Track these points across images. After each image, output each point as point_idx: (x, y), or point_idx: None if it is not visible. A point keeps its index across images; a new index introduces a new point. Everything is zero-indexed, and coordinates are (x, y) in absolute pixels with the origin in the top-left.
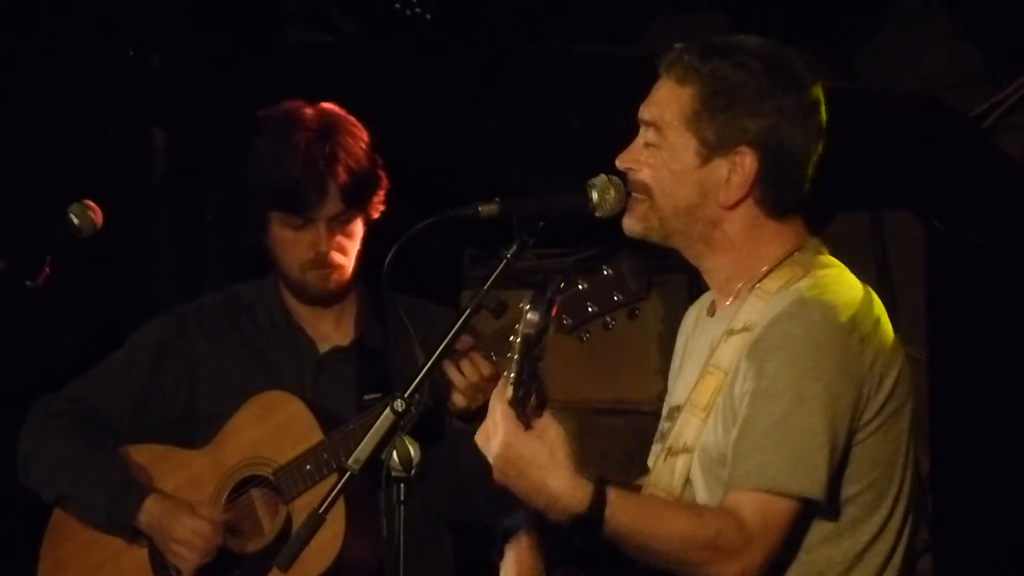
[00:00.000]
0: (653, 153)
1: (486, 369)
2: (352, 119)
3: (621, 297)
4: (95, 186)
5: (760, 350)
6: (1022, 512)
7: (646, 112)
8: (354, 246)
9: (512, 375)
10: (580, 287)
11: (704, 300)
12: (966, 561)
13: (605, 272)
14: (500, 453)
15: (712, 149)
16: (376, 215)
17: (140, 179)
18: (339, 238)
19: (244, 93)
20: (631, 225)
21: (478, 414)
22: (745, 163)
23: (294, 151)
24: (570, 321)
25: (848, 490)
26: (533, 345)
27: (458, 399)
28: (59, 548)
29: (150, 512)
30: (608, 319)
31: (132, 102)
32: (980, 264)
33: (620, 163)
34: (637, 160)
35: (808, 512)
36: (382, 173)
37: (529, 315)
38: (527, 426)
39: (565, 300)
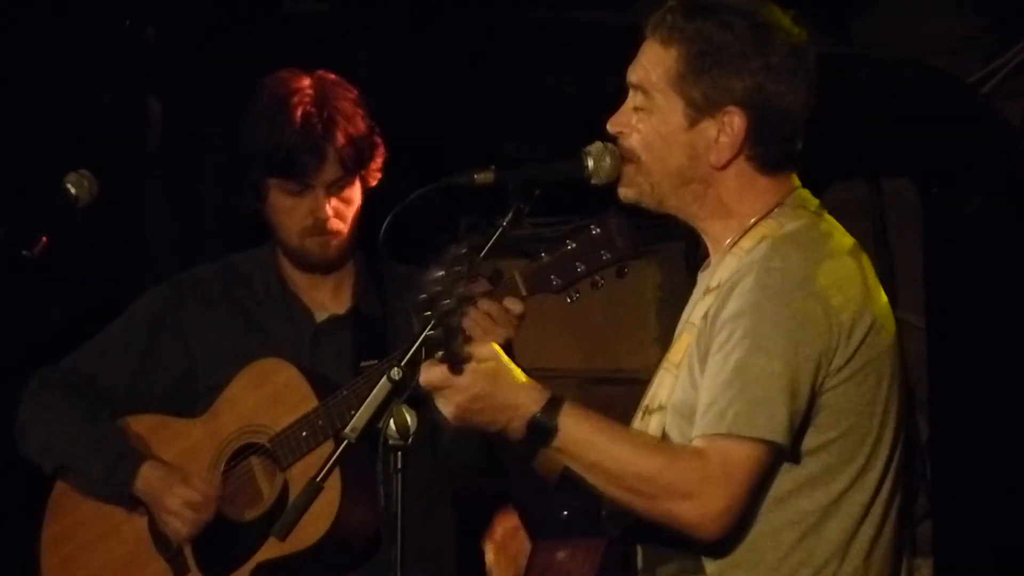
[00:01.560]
0: (642, 117)
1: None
2: (348, 85)
3: (609, 256)
4: (91, 156)
5: (725, 303)
6: (1020, 479)
7: (633, 75)
8: (352, 212)
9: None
10: (568, 246)
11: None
12: (965, 527)
13: (593, 231)
14: (459, 404)
15: (700, 110)
16: (374, 182)
17: (136, 149)
18: (337, 204)
19: (240, 62)
20: (625, 192)
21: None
22: (734, 123)
23: (291, 117)
24: (559, 281)
25: (819, 438)
26: (439, 304)
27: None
28: (61, 519)
29: (146, 479)
30: (597, 278)
31: (128, 72)
32: (978, 231)
33: (610, 127)
34: (627, 124)
35: (774, 459)
36: (379, 139)
37: (432, 272)
38: (461, 371)
39: (554, 260)
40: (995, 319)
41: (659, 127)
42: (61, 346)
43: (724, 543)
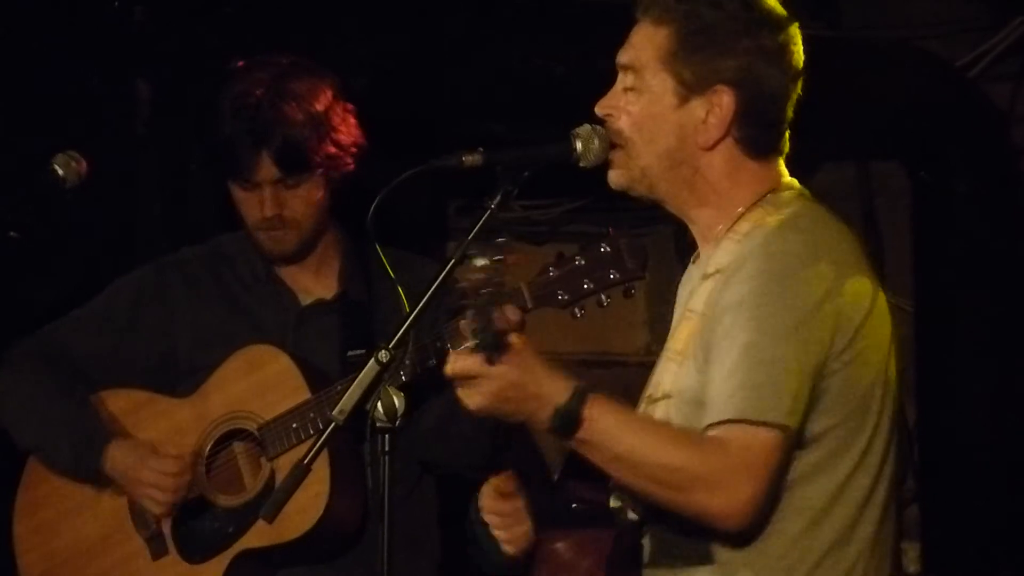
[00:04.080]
0: (632, 99)
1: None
2: (313, 77)
3: (617, 275)
4: (80, 137)
5: (729, 288)
6: (1007, 462)
7: (623, 56)
8: (307, 207)
9: (472, 330)
10: (577, 263)
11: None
12: (953, 511)
13: (603, 249)
14: (491, 393)
15: (690, 89)
16: (338, 175)
17: (125, 130)
18: (289, 199)
19: (228, 44)
20: (615, 178)
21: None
22: (722, 102)
23: (232, 115)
24: (566, 297)
25: (824, 423)
26: (476, 294)
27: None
28: (36, 488)
29: (113, 458)
30: (603, 296)
31: (116, 53)
32: (967, 215)
33: (599, 109)
34: (616, 106)
35: (787, 443)
36: (337, 134)
37: (476, 261)
38: (496, 360)
39: (562, 275)
40: (983, 302)
41: (649, 106)
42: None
43: (737, 533)
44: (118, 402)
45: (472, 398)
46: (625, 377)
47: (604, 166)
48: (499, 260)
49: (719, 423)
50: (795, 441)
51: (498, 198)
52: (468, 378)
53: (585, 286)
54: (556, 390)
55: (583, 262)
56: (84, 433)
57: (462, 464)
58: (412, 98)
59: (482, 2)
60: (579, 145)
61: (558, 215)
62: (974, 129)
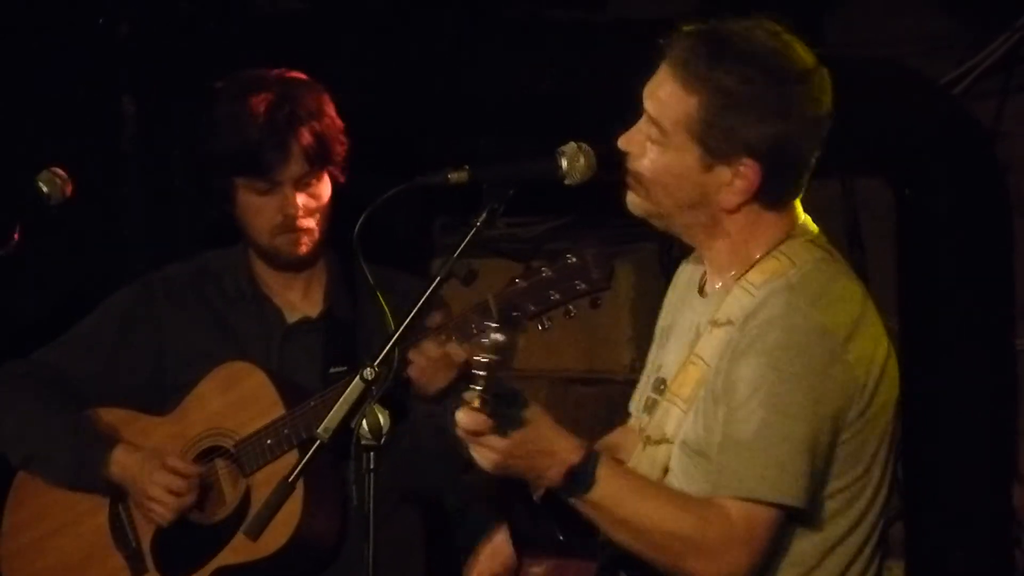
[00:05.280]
0: (656, 150)
1: (435, 352)
2: (312, 82)
3: (584, 286)
4: (64, 154)
5: (741, 353)
6: (993, 482)
7: (650, 105)
8: (322, 209)
9: (480, 394)
10: (544, 274)
11: (696, 266)
12: (937, 528)
13: (569, 260)
14: (497, 463)
15: (716, 157)
16: (342, 178)
17: (110, 147)
18: (307, 200)
19: (214, 61)
20: (634, 205)
21: (436, 397)
22: (749, 174)
23: (254, 114)
24: (532, 308)
25: (830, 487)
26: (497, 366)
27: (416, 377)
28: (20, 511)
29: (120, 463)
30: (570, 307)
31: (101, 69)
32: (952, 232)
33: (622, 144)
34: (640, 147)
35: (791, 516)
36: (344, 133)
37: (493, 336)
38: (504, 432)
39: (529, 287)
40: (968, 320)
41: (672, 166)
42: (34, 343)
43: None
44: (103, 417)
45: (485, 456)
46: (611, 393)
47: (590, 183)
48: (505, 342)
49: (728, 497)
50: (801, 514)
51: (484, 215)
52: (478, 442)
53: (552, 297)
54: (568, 448)
55: (550, 273)
56: (87, 439)
57: (423, 485)
58: (398, 115)
59: (469, 18)
60: (564, 163)
61: (543, 232)
62: (959, 146)
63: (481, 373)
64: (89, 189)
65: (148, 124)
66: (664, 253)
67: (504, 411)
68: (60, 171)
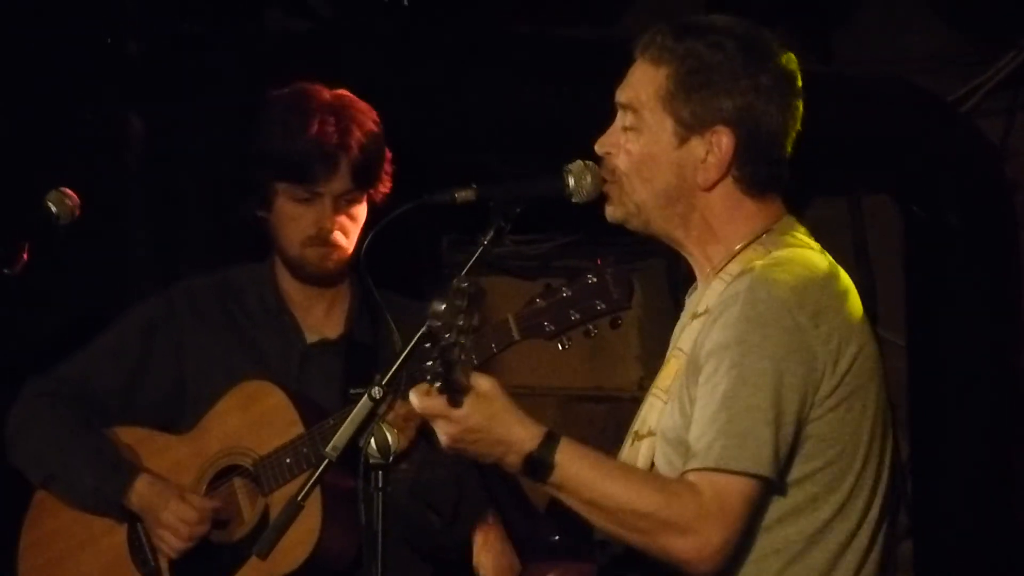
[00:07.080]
0: (631, 137)
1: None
2: (368, 105)
3: (604, 306)
4: (72, 173)
5: (711, 333)
6: (1001, 499)
7: (622, 95)
8: (356, 228)
9: (431, 370)
10: (564, 294)
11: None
12: (946, 547)
13: (589, 280)
14: (453, 435)
15: (689, 129)
16: (379, 200)
17: (118, 166)
18: (343, 218)
19: (222, 79)
20: (611, 212)
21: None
22: (722, 142)
23: (308, 123)
24: (552, 328)
25: (805, 467)
26: (440, 337)
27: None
28: (41, 525)
29: (140, 493)
30: (590, 327)
31: (109, 88)
32: (959, 249)
33: (598, 148)
34: (615, 144)
35: (764, 491)
36: (389, 157)
37: (434, 306)
38: (459, 403)
39: (548, 306)
40: (975, 337)
41: (648, 146)
42: (43, 363)
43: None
44: (122, 438)
45: (440, 435)
46: (618, 412)
47: (596, 201)
48: (459, 304)
49: (696, 470)
50: (773, 487)
51: (491, 233)
52: (432, 417)
53: (572, 317)
54: (526, 436)
55: (570, 293)
56: (109, 464)
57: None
58: (406, 133)
59: (476, 37)
60: (571, 181)
61: (550, 250)
62: (966, 163)
63: (429, 346)
64: (97, 208)
65: (156, 143)
66: (672, 270)
67: (456, 382)
68: (69, 191)
